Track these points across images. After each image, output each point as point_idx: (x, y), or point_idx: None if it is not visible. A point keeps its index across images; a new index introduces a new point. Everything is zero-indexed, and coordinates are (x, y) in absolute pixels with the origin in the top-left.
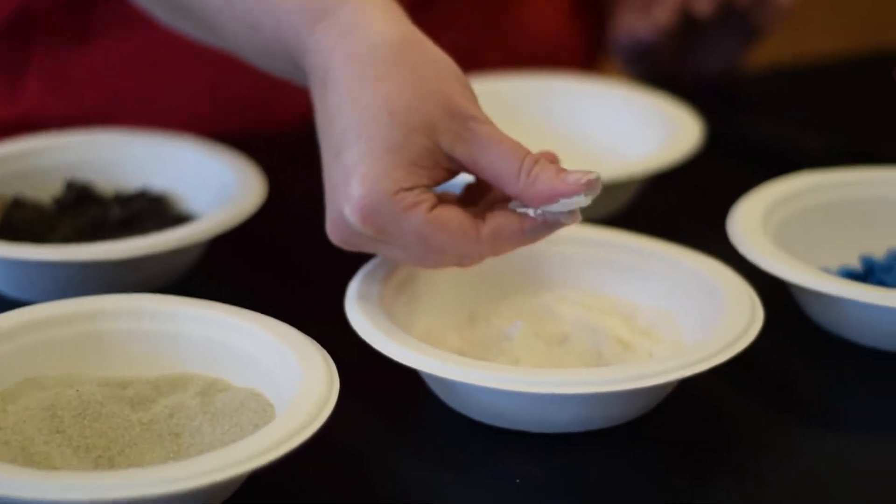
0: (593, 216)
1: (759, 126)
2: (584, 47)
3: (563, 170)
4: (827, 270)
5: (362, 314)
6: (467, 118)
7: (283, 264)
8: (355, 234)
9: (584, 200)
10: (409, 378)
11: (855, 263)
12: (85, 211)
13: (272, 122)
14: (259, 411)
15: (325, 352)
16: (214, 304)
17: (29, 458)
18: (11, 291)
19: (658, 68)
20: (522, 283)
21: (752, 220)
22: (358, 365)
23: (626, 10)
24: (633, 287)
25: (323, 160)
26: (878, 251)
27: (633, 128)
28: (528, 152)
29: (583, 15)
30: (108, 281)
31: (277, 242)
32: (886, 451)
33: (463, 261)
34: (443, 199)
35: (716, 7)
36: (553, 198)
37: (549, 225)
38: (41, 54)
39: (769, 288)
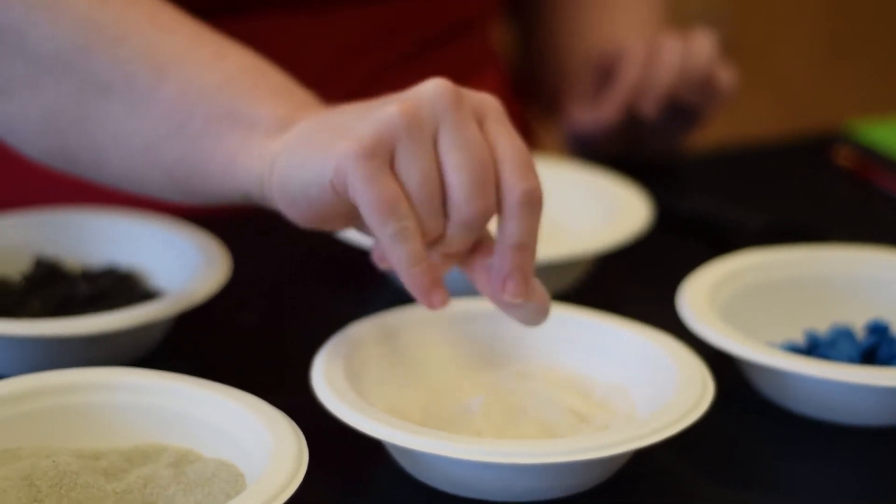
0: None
1: (703, 205)
2: (525, 127)
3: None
4: (772, 345)
5: (328, 387)
6: None
7: (249, 339)
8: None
9: None
10: (375, 449)
11: (799, 339)
12: (54, 287)
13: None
14: (230, 481)
15: (293, 422)
16: (185, 377)
17: None
18: None
19: (604, 153)
20: (481, 359)
21: (700, 296)
22: (324, 436)
23: (574, 103)
24: (588, 362)
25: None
26: (822, 327)
27: (582, 205)
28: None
29: (521, 96)
30: (78, 356)
31: (242, 317)
32: None
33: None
34: None
35: (660, 107)
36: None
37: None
38: None
39: (717, 362)
